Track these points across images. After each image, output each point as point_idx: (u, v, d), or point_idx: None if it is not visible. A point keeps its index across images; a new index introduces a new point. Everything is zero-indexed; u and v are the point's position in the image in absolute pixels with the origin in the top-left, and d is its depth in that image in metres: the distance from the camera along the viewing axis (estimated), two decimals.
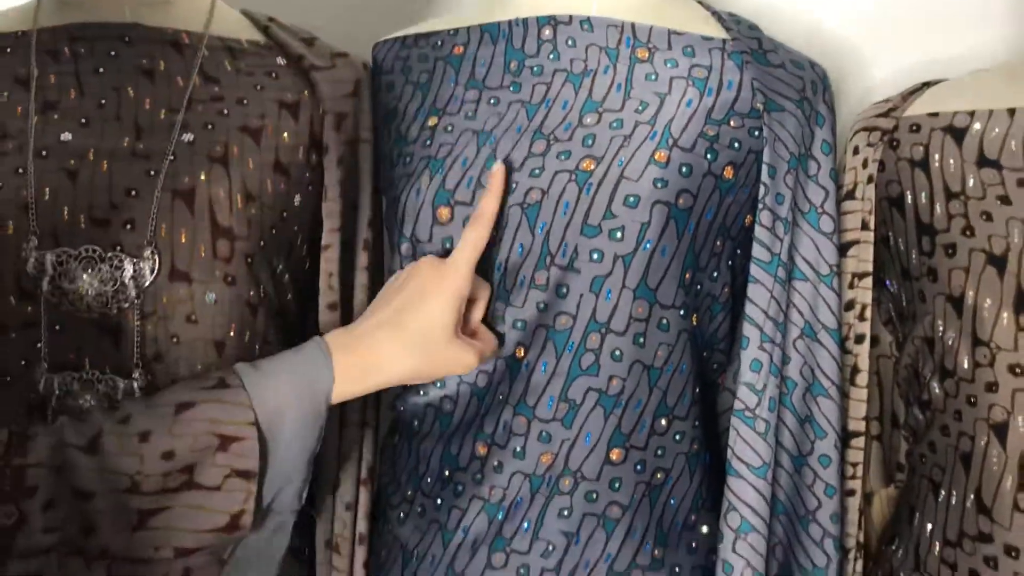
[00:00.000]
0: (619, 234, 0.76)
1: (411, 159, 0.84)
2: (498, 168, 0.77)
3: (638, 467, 0.79)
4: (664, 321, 0.78)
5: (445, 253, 0.79)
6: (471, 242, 0.75)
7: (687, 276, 0.78)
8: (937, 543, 0.78)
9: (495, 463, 0.80)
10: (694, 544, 0.83)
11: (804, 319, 0.81)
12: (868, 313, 0.84)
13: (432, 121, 0.84)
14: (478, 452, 0.81)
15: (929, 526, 0.79)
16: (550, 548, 0.80)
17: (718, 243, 0.80)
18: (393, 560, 0.86)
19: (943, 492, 0.78)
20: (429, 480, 0.84)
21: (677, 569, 0.82)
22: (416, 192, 0.81)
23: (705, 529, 0.83)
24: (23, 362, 0.75)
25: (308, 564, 0.88)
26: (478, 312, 0.78)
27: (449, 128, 0.83)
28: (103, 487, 0.64)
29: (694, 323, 0.80)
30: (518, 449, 0.79)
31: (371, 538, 0.88)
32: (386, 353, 0.72)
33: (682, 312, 0.79)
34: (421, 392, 0.84)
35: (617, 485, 0.79)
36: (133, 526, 0.64)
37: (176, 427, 0.66)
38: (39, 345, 0.75)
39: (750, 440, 0.79)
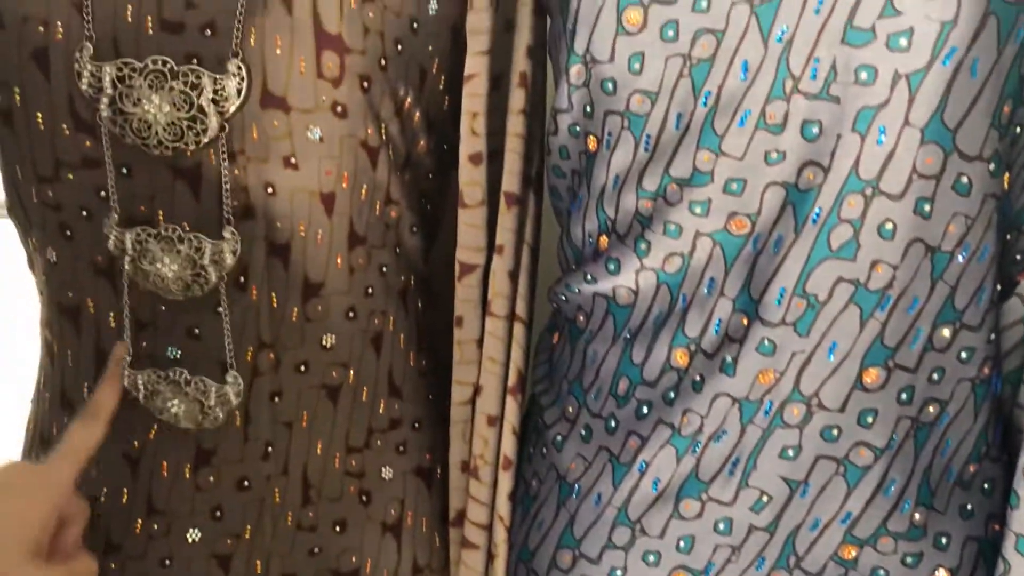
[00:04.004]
0: (904, 40, 0.50)
1: None
2: (120, 348, 0.61)
3: (903, 396, 0.55)
4: (964, 180, 0.52)
5: (631, 74, 0.55)
6: (78, 445, 0.59)
7: (1005, 110, 0.52)
8: None
9: (695, 378, 0.58)
10: (969, 506, 0.58)
11: None
12: None
13: None
14: (675, 361, 0.59)
15: None
16: (764, 499, 0.57)
17: None
18: (548, 493, 0.66)
19: None
20: (597, 395, 0.63)
21: (944, 540, 0.58)
22: None
23: (987, 486, 0.59)
24: (84, 213, 0.59)
25: (441, 488, 0.70)
26: (72, 533, 0.58)
27: None
28: None
29: (1005, 185, 0.54)
30: (728, 360, 0.57)
31: (519, 464, 0.69)
32: None
33: (992, 167, 0.52)
34: (587, 277, 0.62)
35: (870, 419, 0.55)
36: None
37: None
38: (104, 192, 0.58)
39: None
